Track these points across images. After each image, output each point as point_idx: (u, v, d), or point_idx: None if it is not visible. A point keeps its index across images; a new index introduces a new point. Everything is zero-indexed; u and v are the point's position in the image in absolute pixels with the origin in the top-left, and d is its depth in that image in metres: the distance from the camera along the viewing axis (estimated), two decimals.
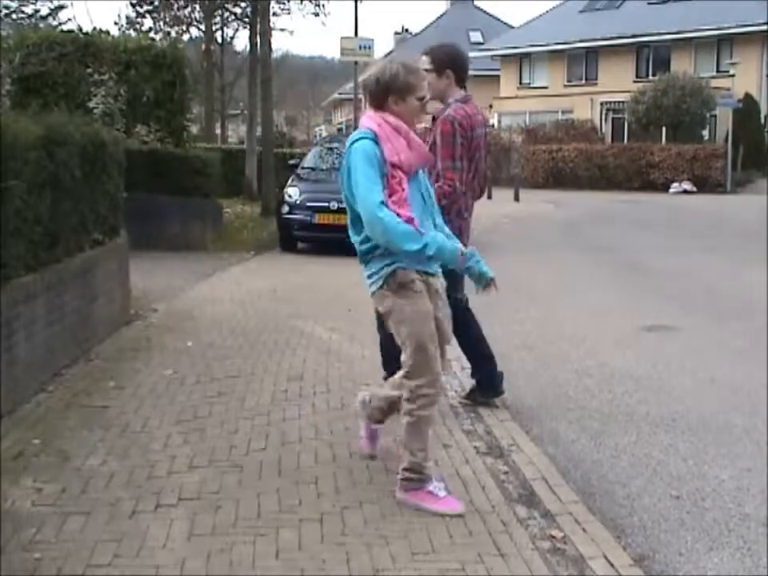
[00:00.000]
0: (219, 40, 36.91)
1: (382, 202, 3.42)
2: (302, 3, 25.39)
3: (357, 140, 3.56)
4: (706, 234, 16.44)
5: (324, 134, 53.24)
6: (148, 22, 27.94)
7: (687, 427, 4.86)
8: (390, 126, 3.57)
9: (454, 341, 6.86)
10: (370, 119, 3.63)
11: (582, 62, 40.87)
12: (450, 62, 4.74)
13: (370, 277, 3.64)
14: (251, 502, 3.57)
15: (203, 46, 33.70)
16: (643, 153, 32.57)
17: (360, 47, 21.31)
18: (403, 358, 3.60)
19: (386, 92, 3.58)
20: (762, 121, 34.42)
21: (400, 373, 3.70)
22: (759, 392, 5.52)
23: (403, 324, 3.57)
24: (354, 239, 3.67)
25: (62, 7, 26.77)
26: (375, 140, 3.53)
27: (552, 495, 3.75)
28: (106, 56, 13.09)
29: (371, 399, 4.01)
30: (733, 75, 32.22)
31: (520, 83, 42.06)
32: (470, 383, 5.17)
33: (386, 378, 4.64)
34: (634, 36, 37.96)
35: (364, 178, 3.46)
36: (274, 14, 26.44)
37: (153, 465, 3.96)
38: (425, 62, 4.63)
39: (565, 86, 40.11)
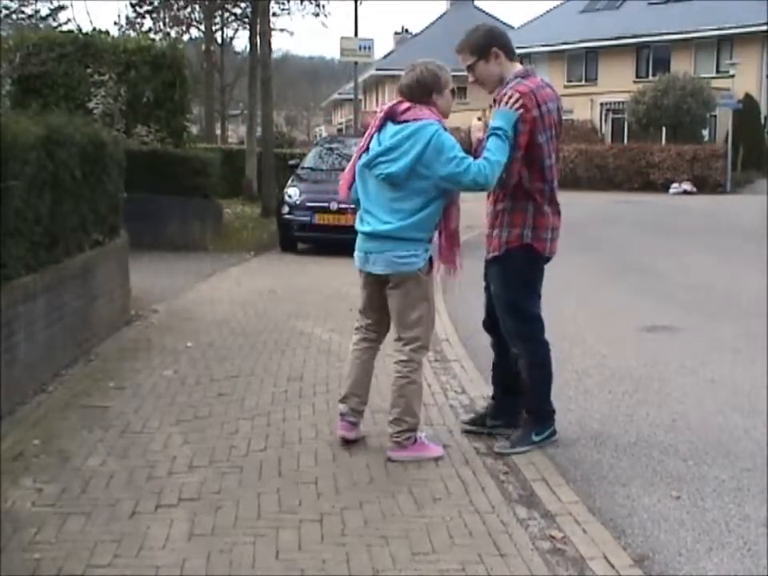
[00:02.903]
0: (219, 40, 36.89)
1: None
2: (301, 3, 25.36)
3: (433, 126, 3.92)
4: (706, 234, 16.43)
5: (324, 134, 53.25)
6: (148, 23, 27.95)
7: (687, 427, 4.85)
8: (444, 122, 4.04)
9: (456, 341, 6.87)
10: (430, 112, 4.00)
11: (582, 62, 40.86)
12: (491, 39, 4.20)
13: (405, 257, 4.01)
14: (251, 502, 3.57)
15: (203, 47, 33.67)
16: (643, 153, 32.53)
17: (360, 47, 21.28)
18: (414, 333, 4.11)
19: (431, 89, 4.03)
20: (762, 121, 34.40)
21: (408, 347, 4.13)
22: (759, 392, 5.52)
23: (425, 303, 4.13)
24: (412, 220, 3.97)
25: (61, 8, 26.75)
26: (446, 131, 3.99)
27: (552, 495, 3.76)
28: (105, 56, 13.09)
29: None
30: (733, 75, 32.21)
31: None
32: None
33: (493, 398, 4.67)
34: (634, 36, 37.94)
35: (455, 149, 3.90)
36: (274, 14, 26.46)
37: (153, 465, 3.97)
38: (466, 59, 4.22)
39: (565, 86, 40.04)
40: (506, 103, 4.04)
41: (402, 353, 4.15)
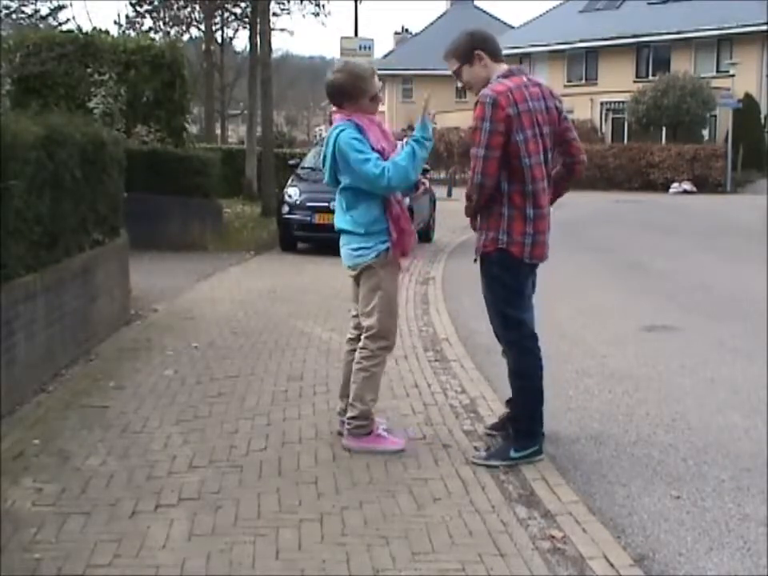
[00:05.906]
0: (219, 40, 36.90)
1: (377, 158, 4.05)
2: (302, 3, 25.47)
3: (340, 131, 4.12)
4: (706, 234, 16.43)
5: (324, 134, 53.17)
6: (148, 22, 27.99)
7: (687, 427, 4.85)
8: (364, 120, 4.17)
9: (454, 340, 6.87)
10: (342, 116, 4.21)
11: (582, 61, 40.86)
12: (472, 43, 4.14)
13: (357, 250, 4.23)
14: (251, 502, 3.57)
15: (203, 46, 33.68)
16: (643, 153, 32.57)
17: (360, 47, 21.26)
18: (369, 322, 4.21)
19: (341, 97, 4.19)
20: (762, 121, 34.40)
21: (365, 335, 4.25)
22: (759, 392, 5.52)
23: (383, 293, 4.21)
24: (347, 218, 4.24)
25: (61, 7, 26.73)
26: (358, 129, 4.12)
27: (552, 495, 3.75)
28: (105, 56, 13.10)
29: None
30: (733, 75, 32.23)
31: None
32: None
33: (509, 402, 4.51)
34: (634, 36, 37.95)
35: (356, 152, 4.04)
36: (274, 14, 26.48)
37: (153, 465, 3.97)
38: (452, 64, 4.19)
39: (565, 86, 40.05)
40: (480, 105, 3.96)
41: (361, 341, 4.30)
